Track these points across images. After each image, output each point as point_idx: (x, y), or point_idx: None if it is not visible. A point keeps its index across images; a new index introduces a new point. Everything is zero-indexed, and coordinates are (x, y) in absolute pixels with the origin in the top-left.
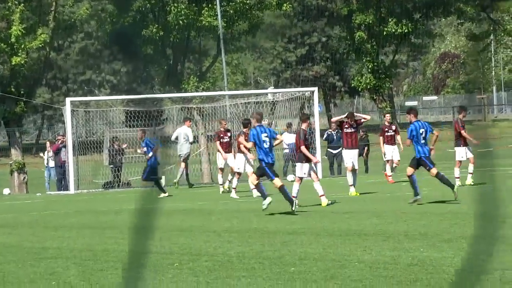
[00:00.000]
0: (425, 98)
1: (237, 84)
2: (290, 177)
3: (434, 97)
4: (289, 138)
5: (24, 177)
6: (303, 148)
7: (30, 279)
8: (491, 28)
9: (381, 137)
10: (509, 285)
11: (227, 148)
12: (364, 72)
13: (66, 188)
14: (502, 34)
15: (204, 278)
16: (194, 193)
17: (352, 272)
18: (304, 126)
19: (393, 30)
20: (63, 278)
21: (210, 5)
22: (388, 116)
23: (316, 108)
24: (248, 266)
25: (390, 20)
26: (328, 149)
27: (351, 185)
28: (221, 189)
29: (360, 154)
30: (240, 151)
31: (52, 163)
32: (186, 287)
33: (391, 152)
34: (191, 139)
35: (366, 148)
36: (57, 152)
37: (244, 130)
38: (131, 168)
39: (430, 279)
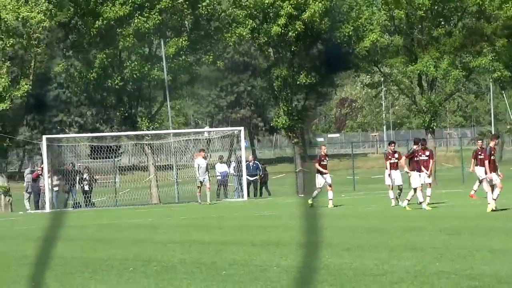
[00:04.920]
0: (329, 135)
1: (179, 124)
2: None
3: (337, 135)
4: (221, 168)
5: (9, 199)
6: (486, 163)
7: (13, 281)
8: (382, 79)
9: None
10: None
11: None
12: (281, 115)
13: (43, 207)
14: (391, 84)
15: (153, 280)
16: (145, 211)
17: (272, 275)
18: (492, 144)
19: (304, 81)
20: (40, 281)
21: (158, 63)
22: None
23: (243, 144)
24: (188, 270)
25: (301, 73)
26: (247, 176)
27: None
28: (330, 204)
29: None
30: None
31: (30, 188)
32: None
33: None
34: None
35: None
36: (35, 179)
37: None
38: (98, 192)
39: (334, 280)
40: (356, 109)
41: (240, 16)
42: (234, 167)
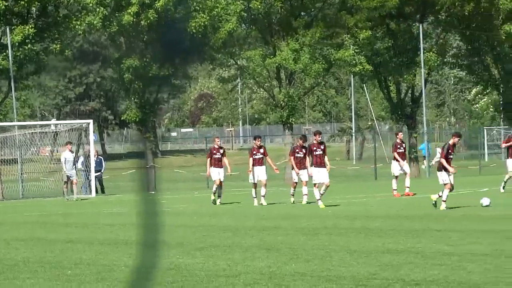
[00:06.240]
0: (183, 130)
1: (25, 116)
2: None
3: (191, 129)
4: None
5: None
6: (442, 160)
7: None
8: (238, 73)
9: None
10: None
11: (218, 163)
12: (132, 108)
13: None
14: (248, 77)
15: None
16: None
17: (120, 275)
18: (451, 141)
19: (156, 73)
20: None
21: (4, 52)
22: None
23: (91, 138)
24: (32, 269)
25: (153, 64)
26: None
27: (318, 199)
28: (212, 197)
29: None
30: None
31: None
32: None
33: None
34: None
35: None
36: None
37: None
38: None
39: (184, 281)
40: (212, 103)
41: (90, 3)
42: (82, 162)
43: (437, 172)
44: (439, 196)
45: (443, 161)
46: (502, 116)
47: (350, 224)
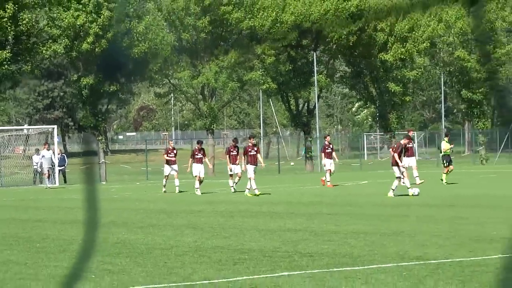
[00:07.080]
0: (128, 133)
1: (3, 122)
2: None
3: (134, 133)
4: (37, 159)
5: None
6: (395, 155)
7: None
8: (171, 89)
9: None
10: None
11: (172, 161)
12: (88, 116)
13: None
14: (179, 93)
15: None
16: None
17: (78, 247)
18: (402, 141)
19: (107, 89)
20: None
21: None
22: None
23: (56, 139)
24: (8, 242)
25: (105, 82)
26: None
27: (255, 189)
28: (163, 190)
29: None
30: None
31: None
32: None
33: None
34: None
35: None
36: None
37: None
38: None
39: (129, 252)
40: (151, 113)
41: (55, 34)
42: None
43: (392, 166)
44: (393, 190)
45: (395, 156)
46: (378, 124)
47: (259, 208)
